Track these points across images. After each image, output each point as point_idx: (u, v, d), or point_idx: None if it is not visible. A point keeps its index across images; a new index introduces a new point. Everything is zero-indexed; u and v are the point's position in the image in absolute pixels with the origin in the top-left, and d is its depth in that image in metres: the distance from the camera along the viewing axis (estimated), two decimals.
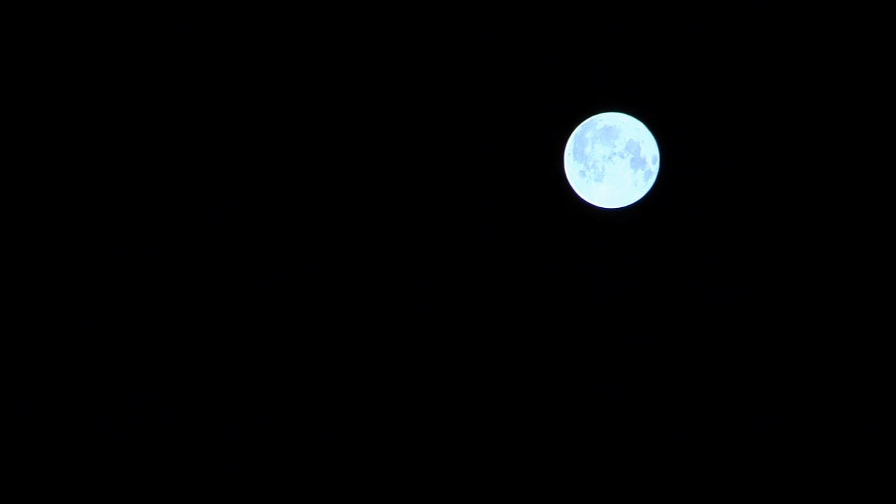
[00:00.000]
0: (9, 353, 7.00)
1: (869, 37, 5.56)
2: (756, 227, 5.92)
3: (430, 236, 6.84)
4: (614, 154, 5.90)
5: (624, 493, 6.26)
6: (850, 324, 5.72)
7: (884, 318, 5.65)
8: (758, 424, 5.96)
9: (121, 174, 7.02)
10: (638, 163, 5.88)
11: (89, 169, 7.03)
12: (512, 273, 7.27)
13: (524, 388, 6.62)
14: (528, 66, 6.72)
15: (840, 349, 5.74)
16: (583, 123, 6.03)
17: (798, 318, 5.84)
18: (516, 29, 6.59)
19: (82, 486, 6.97)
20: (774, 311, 5.89)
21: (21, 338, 6.97)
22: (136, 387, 7.02)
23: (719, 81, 5.96)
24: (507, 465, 6.59)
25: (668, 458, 6.16)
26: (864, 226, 5.66)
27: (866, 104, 5.64)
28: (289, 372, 6.98)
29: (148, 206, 7.02)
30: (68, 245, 7.01)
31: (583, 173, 5.97)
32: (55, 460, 7.00)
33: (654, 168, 5.88)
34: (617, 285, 6.47)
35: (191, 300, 6.99)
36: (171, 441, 6.98)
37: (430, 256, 6.85)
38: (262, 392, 6.98)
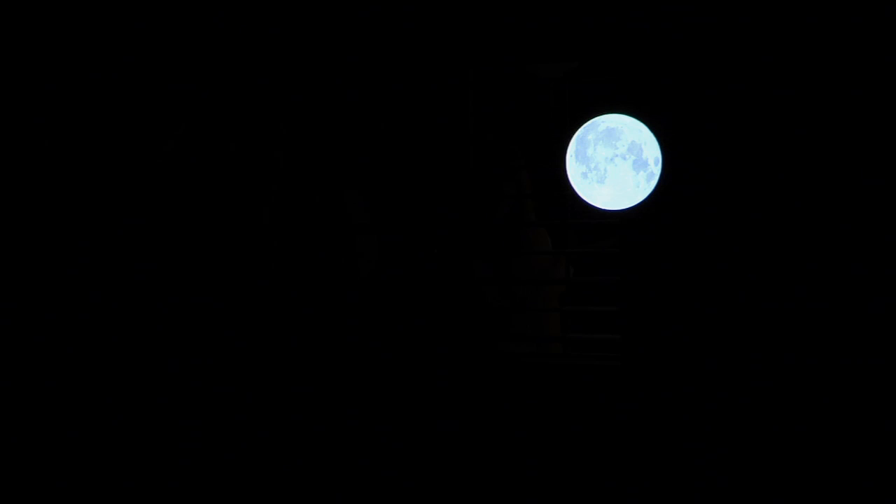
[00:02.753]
0: (8, 354, 7.05)
1: (872, 38, 5.54)
2: (758, 229, 5.91)
3: (432, 237, 6.84)
4: (616, 156, 5.89)
5: (624, 494, 6.26)
6: (851, 325, 5.70)
7: (886, 320, 5.63)
8: (758, 425, 5.95)
9: (119, 174, 7.06)
10: (640, 165, 5.86)
11: (88, 169, 7.07)
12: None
13: (525, 390, 6.63)
14: (529, 67, 6.73)
15: (841, 351, 5.73)
16: (585, 125, 6.02)
17: (800, 320, 5.84)
18: (519, 30, 6.59)
19: (82, 486, 7.00)
20: (776, 313, 5.88)
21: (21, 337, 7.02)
22: (135, 386, 7.05)
23: (722, 83, 5.95)
24: (507, 466, 6.59)
25: (667, 460, 6.16)
26: (868, 228, 5.65)
27: (870, 106, 5.62)
28: (286, 372, 7.00)
29: (147, 206, 7.06)
30: (66, 244, 7.05)
31: (585, 175, 5.95)
32: (55, 460, 7.04)
33: (656, 170, 5.86)
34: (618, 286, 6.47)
35: (190, 299, 7.03)
36: (171, 441, 7.02)
37: (430, 257, 6.85)
38: (262, 391, 7.02)
